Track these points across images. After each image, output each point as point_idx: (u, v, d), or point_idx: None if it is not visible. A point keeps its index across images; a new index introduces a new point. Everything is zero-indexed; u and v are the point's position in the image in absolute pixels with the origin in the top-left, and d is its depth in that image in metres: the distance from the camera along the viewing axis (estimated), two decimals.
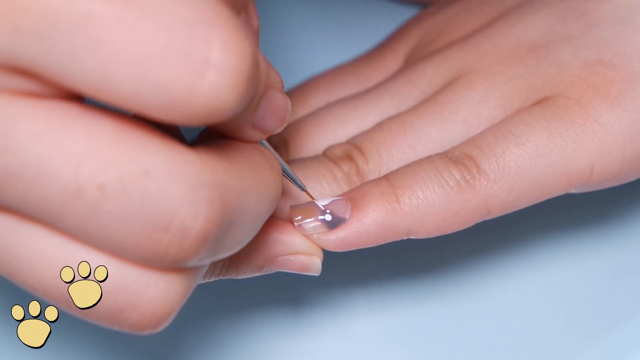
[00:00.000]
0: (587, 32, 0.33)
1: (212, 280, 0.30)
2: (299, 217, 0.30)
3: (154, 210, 0.21)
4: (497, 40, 0.34)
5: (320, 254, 0.31)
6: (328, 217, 0.30)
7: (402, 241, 0.32)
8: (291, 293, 0.39)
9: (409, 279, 0.39)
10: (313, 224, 0.30)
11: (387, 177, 0.32)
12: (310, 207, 0.31)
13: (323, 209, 0.31)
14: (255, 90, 0.23)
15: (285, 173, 0.29)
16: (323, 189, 0.32)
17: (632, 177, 0.33)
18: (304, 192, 0.31)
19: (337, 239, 0.30)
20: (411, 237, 0.31)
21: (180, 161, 0.22)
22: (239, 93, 0.21)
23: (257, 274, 0.31)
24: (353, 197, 0.31)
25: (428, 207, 0.31)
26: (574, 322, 0.38)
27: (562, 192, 0.32)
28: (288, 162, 0.34)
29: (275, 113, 0.26)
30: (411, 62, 0.37)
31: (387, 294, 0.38)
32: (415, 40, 0.38)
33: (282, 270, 0.31)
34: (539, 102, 0.32)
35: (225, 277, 0.31)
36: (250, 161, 0.25)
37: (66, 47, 0.20)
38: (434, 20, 0.38)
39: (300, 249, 0.30)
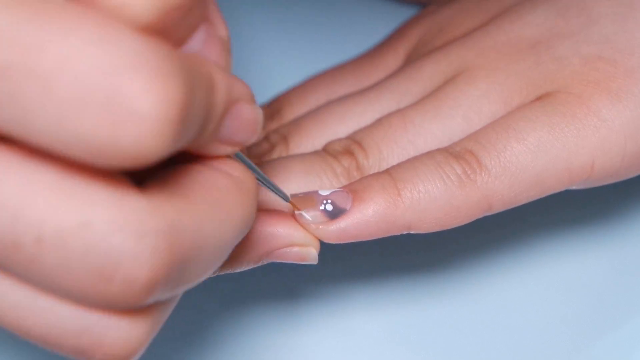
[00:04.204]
0: (588, 28, 0.33)
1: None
2: (299, 207, 0.30)
3: (95, 262, 0.21)
4: (498, 36, 0.34)
5: (316, 244, 0.30)
6: (329, 207, 0.30)
7: (401, 238, 0.32)
8: (289, 289, 0.38)
9: (408, 276, 0.39)
10: (313, 214, 0.30)
11: (388, 171, 0.31)
12: (310, 197, 0.30)
13: (318, 203, 0.30)
14: (198, 122, 0.22)
15: (265, 184, 0.29)
16: (323, 183, 0.32)
17: (633, 173, 0.33)
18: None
19: (337, 230, 0.30)
20: (411, 232, 0.31)
21: (122, 209, 0.21)
22: (165, 140, 0.20)
23: (253, 267, 0.31)
24: (354, 189, 0.31)
25: (429, 201, 0.31)
26: (575, 321, 0.37)
27: (563, 188, 0.32)
28: (287, 156, 0.34)
29: (243, 127, 0.25)
30: (411, 60, 0.37)
31: (386, 290, 0.38)
32: (415, 38, 0.38)
33: (278, 261, 0.31)
34: (539, 98, 0.32)
35: (222, 274, 0.30)
36: (210, 191, 0.24)
37: None
38: (434, 18, 0.39)
39: (296, 240, 0.30)
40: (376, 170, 0.33)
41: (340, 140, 0.34)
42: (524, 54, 0.34)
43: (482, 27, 0.35)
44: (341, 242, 0.30)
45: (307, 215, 0.30)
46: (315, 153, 0.33)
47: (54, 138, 0.20)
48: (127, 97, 0.19)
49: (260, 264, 0.30)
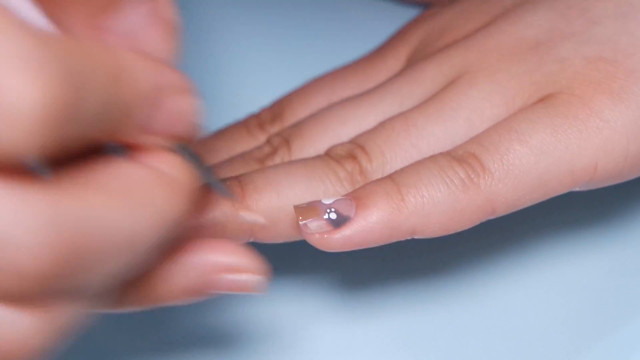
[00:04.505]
0: (589, 29, 0.33)
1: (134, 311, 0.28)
2: (303, 217, 0.30)
3: None
4: (499, 38, 0.34)
5: (259, 270, 0.28)
6: (333, 216, 0.30)
7: (403, 243, 0.32)
8: (288, 295, 0.39)
9: (409, 280, 0.39)
10: (317, 223, 0.30)
11: (391, 177, 0.31)
12: (314, 206, 0.31)
13: (322, 212, 0.30)
14: (93, 116, 0.21)
15: (208, 179, 0.28)
16: (326, 188, 0.32)
17: (635, 174, 0.33)
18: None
19: (342, 238, 0.30)
20: (415, 237, 0.31)
21: (13, 199, 0.21)
22: (38, 138, 0.20)
23: (191, 301, 0.28)
24: (357, 196, 0.31)
25: (433, 205, 0.31)
26: (576, 324, 0.37)
27: (567, 190, 0.32)
28: (289, 161, 0.34)
29: (175, 119, 0.24)
30: (413, 62, 0.37)
31: (388, 296, 0.38)
32: (416, 41, 0.38)
33: (221, 293, 0.29)
34: (541, 100, 0.32)
35: (152, 308, 0.28)
36: (121, 181, 0.23)
37: None
38: (435, 21, 0.38)
39: (237, 266, 0.28)
40: (379, 174, 0.33)
41: (343, 144, 0.34)
42: (526, 55, 0.34)
43: (484, 28, 0.35)
44: (346, 250, 0.31)
45: (312, 224, 0.30)
46: (318, 158, 0.33)
47: None
48: None
49: (200, 297, 0.28)
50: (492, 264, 0.39)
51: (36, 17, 0.22)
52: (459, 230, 0.32)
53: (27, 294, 0.22)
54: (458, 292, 0.38)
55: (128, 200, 0.23)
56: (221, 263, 0.28)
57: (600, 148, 0.31)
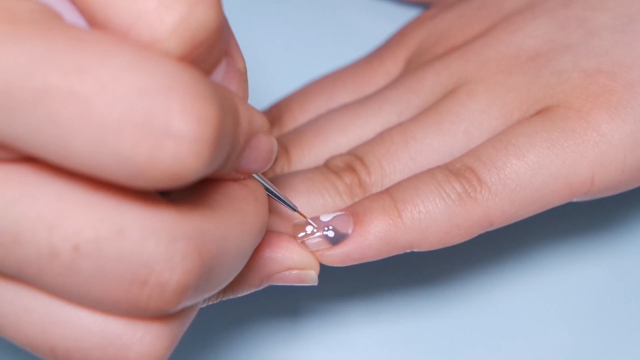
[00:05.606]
0: (587, 41, 0.33)
1: (210, 304, 0.30)
2: (302, 234, 0.31)
3: (130, 267, 0.22)
4: (498, 48, 0.34)
5: (316, 266, 0.31)
6: (330, 234, 0.30)
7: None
8: (289, 302, 0.39)
9: (408, 288, 0.39)
10: (316, 240, 0.31)
11: (388, 191, 0.32)
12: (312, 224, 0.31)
13: (319, 229, 0.31)
14: (227, 148, 0.23)
15: (274, 196, 0.29)
16: (325, 201, 0.33)
17: (632, 186, 0.33)
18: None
19: (340, 255, 0.31)
20: (414, 250, 0.32)
21: (153, 217, 0.22)
22: (201, 159, 0.21)
23: (255, 290, 0.31)
24: (355, 212, 0.31)
25: (430, 220, 0.31)
26: (575, 330, 0.38)
27: (563, 202, 0.32)
28: (289, 173, 0.34)
29: (260, 157, 0.26)
30: (411, 68, 0.37)
31: (386, 303, 0.39)
32: (415, 44, 0.38)
33: (279, 284, 0.31)
34: (539, 113, 0.32)
35: (224, 299, 0.31)
36: (231, 200, 0.25)
37: (25, 119, 0.20)
38: (434, 24, 0.38)
39: (294, 264, 0.31)
40: (379, 187, 0.33)
41: (341, 155, 0.34)
42: (524, 67, 0.34)
43: (482, 37, 0.35)
44: (345, 265, 0.31)
45: (310, 241, 0.30)
46: (317, 170, 0.34)
47: (93, 159, 0.20)
48: (165, 117, 0.20)
49: (261, 287, 0.31)
50: (491, 272, 0.39)
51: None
52: (457, 242, 0.32)
53: (166, 307, 0.22)
54: (457, 300, 0.39)
55: (238, 216, 0.25)
56: (286, 260, 0.30)
57: (597, 161, 0.32)
